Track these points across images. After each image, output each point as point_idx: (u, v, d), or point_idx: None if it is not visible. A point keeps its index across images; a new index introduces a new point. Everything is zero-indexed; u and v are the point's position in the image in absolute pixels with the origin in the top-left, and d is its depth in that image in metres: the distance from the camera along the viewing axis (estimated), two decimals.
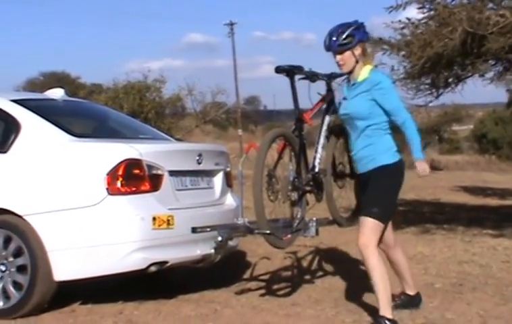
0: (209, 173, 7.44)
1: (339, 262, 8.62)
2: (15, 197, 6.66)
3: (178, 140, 9.00)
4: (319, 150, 6.58)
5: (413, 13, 10.66)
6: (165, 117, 30.32)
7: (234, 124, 53.99)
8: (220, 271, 7.71)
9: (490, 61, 10.87)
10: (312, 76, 6.68)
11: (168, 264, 6.70)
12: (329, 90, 6.75)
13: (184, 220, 6.74)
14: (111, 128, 7.96)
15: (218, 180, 7.56)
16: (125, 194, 6.52)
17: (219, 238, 6.73)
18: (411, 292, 6.51)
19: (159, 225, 6.55)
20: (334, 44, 6.05)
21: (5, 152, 6.80)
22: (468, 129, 47.56)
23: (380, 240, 5.99)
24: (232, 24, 57.01)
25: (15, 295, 6.57)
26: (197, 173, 7.22)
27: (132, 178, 6.55)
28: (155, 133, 8.28)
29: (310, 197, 6.63)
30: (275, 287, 7.67)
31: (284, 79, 6.55)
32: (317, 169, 6.55)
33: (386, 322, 5.75)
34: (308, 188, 6.47)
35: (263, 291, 7.50)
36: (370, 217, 5.87)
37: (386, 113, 5.95)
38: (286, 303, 6.93)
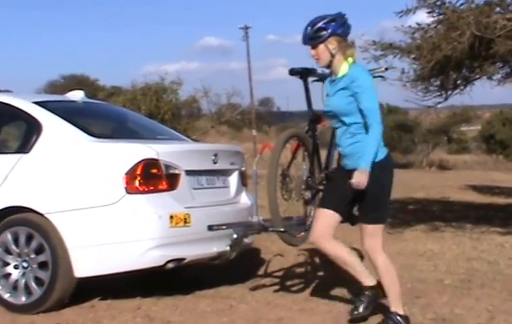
0: (225, 173, 7.42)
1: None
2: (36, 196, 6.67)
3: (194, 140, 8.98)
4: (332, 150, 6.56)
5: (423, 17, 10.64)
6: (181, 118, 30.41)
7: (249, 125, 53.94)
8: (235, 267, 7.71)
9: (498, 64, 10.84)
10: (325, 78, 6.66)
11: (185, 261, 6.69)
12: None
13: (201, 218, 6.73)
14: (129, 129, 7.96)
15: (233, 179, 7.54)
16: (144, 193, 6.51)
17: (235, 236, 6.72)
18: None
19: (176, 223, 6.54)
20: (305, 37, 5.82)
21: (27, 152, 6.81)
22: (476, 130, 47.41)
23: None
24: (246, 28, 56.91)
25: (37, 290, 6.57)
26: (213, 173, 7.21)
27: (149, 177, 6.54)
28: (172, 133, 8.27)
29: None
30: (289, 283, 7.65)
31: (297, 81, 6.53)
32: (330, 169, 6.52)
33: (398, 318, 5.72)
34: (321, 187, 6.44)
35: (277, 287, 7.49)
36: (370, 223, 5.76)
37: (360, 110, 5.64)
38: (300, 299, 6.91)
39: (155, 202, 6.53)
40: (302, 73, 6.50)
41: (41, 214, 6.59)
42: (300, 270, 8.30)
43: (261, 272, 8.28)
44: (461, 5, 10.22)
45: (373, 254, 5.78)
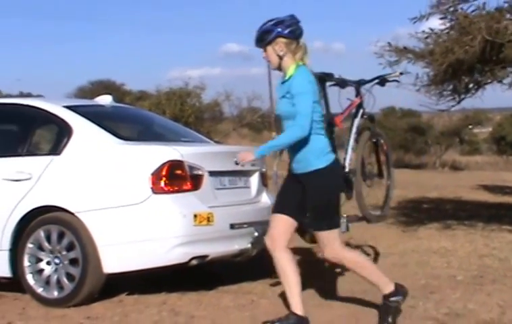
0: (246, 173, 7.43)
1: (367, 255, 8.57)
2: (67, 196, 6.72)
3: (217, 142, 9.00)
4: (349, 151, 6.56)
5: (436, 23, 10.60)
6: (204, 121, 30.37)
7: (268, 127, 53.86)
8: (257, 264, 7.70)
9: (508, 68, 10.77)
10: (342, 82, 6.68)
11: (208, 258, 6.72)
12: (358, 95, 6.72)
13: (223, 217, 6.76)
14: (155, 132, 8.00)
15: (254, 180, 7.56)
16: (169, 193, 6.55)
17: (256, 234, 6.75)
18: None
19: (200, 222, 6.56)
20: (255, 40, 5.53)
21: (58, 154, 6.87)
22: (487, 132, 47.07)
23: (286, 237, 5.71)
24: None
25: (68, 286, 6.63)
26: (235, 173, 7.22)
27: (174, 178, 6.57)
28: (196, 136, 8.30)
29: (341, 195, 6.59)
30: (307, 278, 7.64)
31: None
32: (347, 169, 6.52)
33: (391, 299, 5.68)
34: None
35: None
36: (321, 231, 5.57)
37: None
38: (318, 294, 6.91)
39: (179, 202, 6.56)
40: (320, 78, 6.49)
41: (72, 213, 6.64)
42: (318, 266, 8.29)
43: None
44: (473, 11, 10.19)
45: (338, 258, 5.67)
